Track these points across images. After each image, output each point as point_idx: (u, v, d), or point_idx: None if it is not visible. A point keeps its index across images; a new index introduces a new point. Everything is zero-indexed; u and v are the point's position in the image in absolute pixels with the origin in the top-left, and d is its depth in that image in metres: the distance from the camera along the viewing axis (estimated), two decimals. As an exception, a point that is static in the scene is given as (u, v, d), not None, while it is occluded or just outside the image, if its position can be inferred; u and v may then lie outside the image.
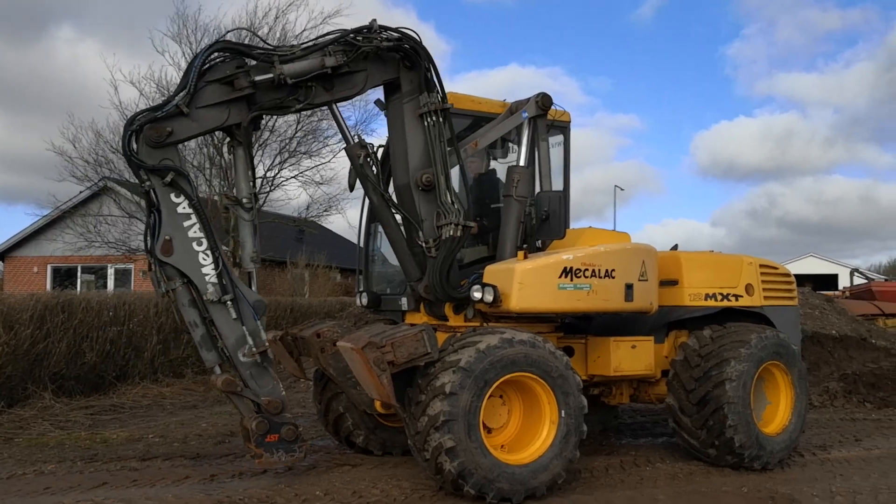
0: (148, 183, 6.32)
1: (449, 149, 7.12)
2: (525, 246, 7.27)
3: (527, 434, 6.69)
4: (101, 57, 51.72)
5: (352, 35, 6.82)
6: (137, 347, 13.08)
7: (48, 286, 27.93)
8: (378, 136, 34.02)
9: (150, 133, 6.26)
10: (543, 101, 7.58)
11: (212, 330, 6.55)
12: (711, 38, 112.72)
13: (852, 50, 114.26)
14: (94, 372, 12.22)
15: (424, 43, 7.14)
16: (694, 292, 8.08)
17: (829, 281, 44.32)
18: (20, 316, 11.29)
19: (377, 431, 8.06)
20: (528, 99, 7.65)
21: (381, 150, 8.37)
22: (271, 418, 6.59)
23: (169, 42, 19.72)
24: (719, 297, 8.15)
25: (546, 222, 7.15)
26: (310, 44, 6.81)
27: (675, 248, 8.98)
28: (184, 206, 6.42)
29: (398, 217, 7.36)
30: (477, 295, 6.94)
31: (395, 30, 7.03)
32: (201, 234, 6.44)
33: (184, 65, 19.64)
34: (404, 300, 7.76)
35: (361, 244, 8.39)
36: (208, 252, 6.45)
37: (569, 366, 6.65)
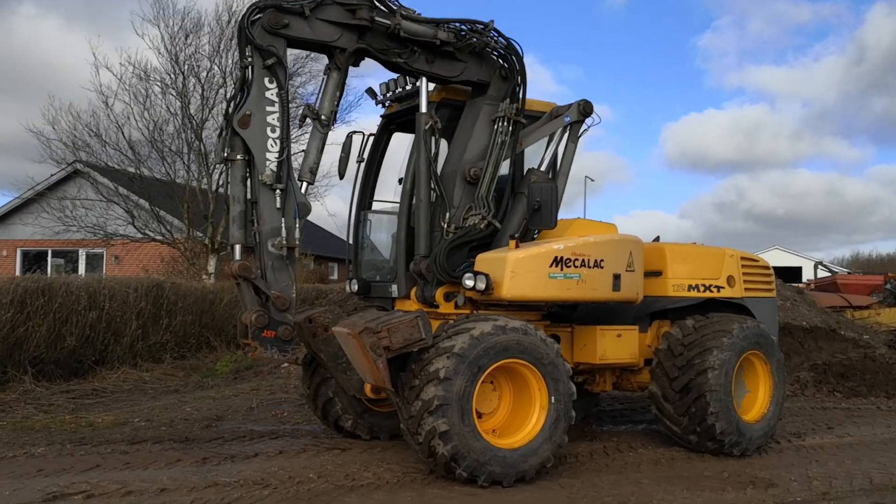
0: (249, 59, 6.73)
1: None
2: (517, 235, 7.43)
3: (516, 419, 6.85)
4: (65, 36, 50.60)
5: (468, 25, 7.47)
6: (116, 332, 13.02)
7: (17, 270, 27.57)
8: (355, 125, 33.89)
9: (270, 17, 6.71)
10: (585, 107, 8.04)
11: (249, 212, 6.85)
12: (683, 29, 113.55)
13: (822, 44, 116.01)
14: (73, 356, 12.16)
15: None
16: (677, 283, 8.29)
17: (794, 273, 45.09)
18: (0, 299, 11.23)
19: (365, 416, 8.18)
20: (571, 105, 8.06)
21: (370, 138, 8.56)
22: (271, 315, 6.72)
23: (148, 27, 19.50)
24: (702, 288, 8.36)
25: (538, 212, 7.28)
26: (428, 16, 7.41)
27: (657, 239, 9.19)
28: (272, 94, 6.80)
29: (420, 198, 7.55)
30: (469, 283, 7.07)
31: (507, 38, 7.74)
32: (278, 124, 6.80)
33: (163, 49, 19.54)
34: (394, 287, 7.87)
35: (351, 232, 8.49)
36: (278, 141, 6.79)
37: (559, 353, 6.82)
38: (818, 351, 14.20)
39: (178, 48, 19.37)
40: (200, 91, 19.49)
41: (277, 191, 6.75)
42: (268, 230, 6.77)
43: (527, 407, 6.79)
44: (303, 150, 7.34)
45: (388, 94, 8.31)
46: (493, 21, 7.68)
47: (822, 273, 30.12)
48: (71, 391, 11.17)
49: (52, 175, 24.97)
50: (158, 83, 19.62)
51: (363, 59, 7.45)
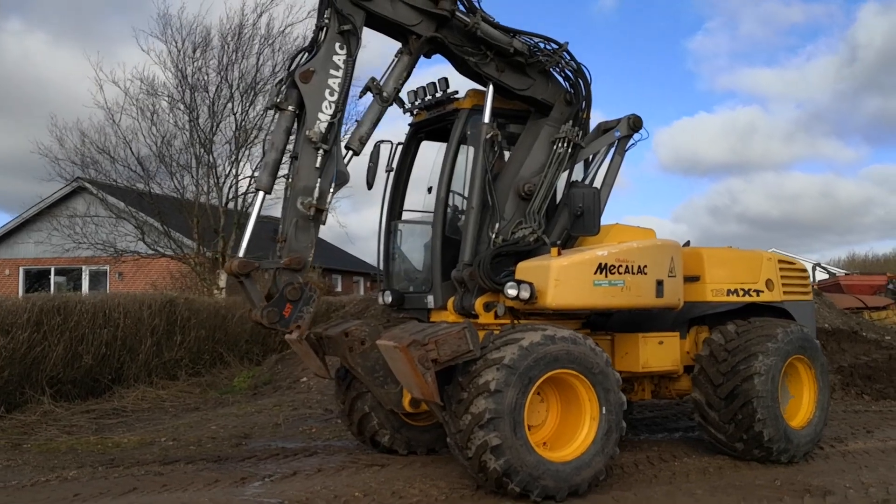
0: (326, 21, 6.81)
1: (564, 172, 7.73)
2: (558, 242, 7.28)
3: (565, 431, 6.67)
4: (54, 52, 50.01)
5: (543, 41, 7.59)
6: (131, 349, 12.82)
7: (20, 289, 27.31)
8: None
9: None
10: (635, 122, 7.97)
11: (280, 161, 6.94)
12: (674, 31, 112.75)
13: (814, 44, 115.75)
14: (90, 375, 11.97)
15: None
16: (716, 288, 8.13)
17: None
18: (17, 319, 11.04)
19: (403, 430, 7.99)
20: (620, 119, 7.99)
21: (399, 147, 8.43)
22: (274, 302, 6.58)
23: (153, 41, 19.47)
24: (741, 293, 8.21)
25: (580, 219, 7.15)
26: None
27: (687, 244, 9.02)
28: (340, 59, 6.84)
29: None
30: (512, 292, 6.90)
31: (578, 63, 7.82)
32: (338, 89, 6.84)
33: (169, 64, 19.43)
34: (430, 298, 7.70)
35: (382, 243, 8.32)
36: (333, 105, 6.81)
37: (609, 362, 6.65)
38: (841, 353, 14.06)
39: (185, 63, 19.22)
40: (209, 104, 19.37)
41: (321, 151, 6.72)
42: (301, 187, 6.73)
43: (576, 418, 6.62)
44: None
45: (416, 103, 8.18)
46: (567, 43, 7.69)
47: (820, 275, 29.81)
48: (91, 411, 10.99)
49: (53, 193, 24.80)
50: (166, 98, 19.50)
51: (435, 53, 7.47)
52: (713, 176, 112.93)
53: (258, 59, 19.70)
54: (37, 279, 28.04)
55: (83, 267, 26.19)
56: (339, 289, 34.18)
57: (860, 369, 12.95)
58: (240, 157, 19.67)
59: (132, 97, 19.43)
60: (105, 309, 12.53)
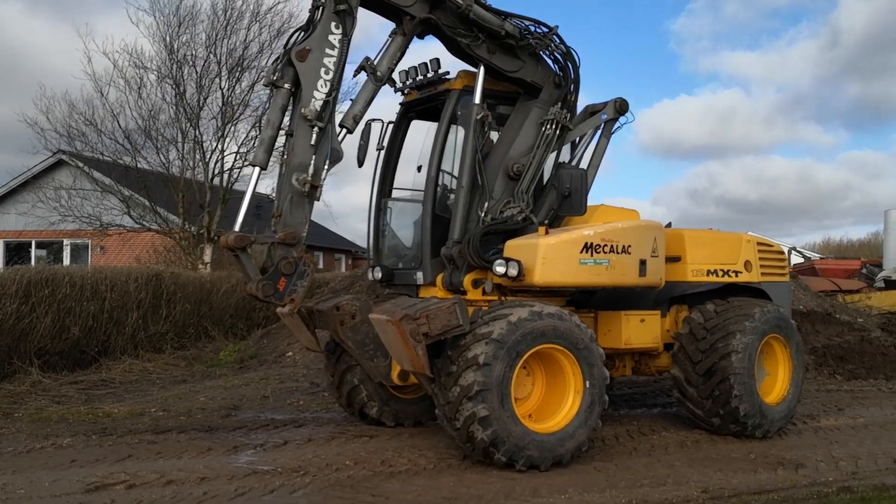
0: (323, 1, 6.96)
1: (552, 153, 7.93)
2: (546, 222, 7.48)
3: (550, 404, 6.92)
4: (29, 21, 49.10)
5: (533, 24, 7.74)
6: (118, 322, 12.94)
7: (0, 262, 27.15)
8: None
9: None
10: (621, 105, 8.22)
11: (275, 138, 7.02)
12: (657, 13, 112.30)
13: (796, 28, 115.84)
14: (77, 347, 12.09)
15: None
16: (697, 268, 8.39)
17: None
18: (5, 290, 11.13)
19: (391, 403, 8.20)
20: (607, 103, 8.23)
21: (390, 125, 8.57)
22: (269, 276, 6.74)
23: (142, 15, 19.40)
24: (720, 273, 8.47)
25: (568, 199, 7.35)
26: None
27: (668, 225, 9.26)
28: (336, 38, 7.00)
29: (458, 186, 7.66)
30: (501, 269, 7.11)
31: (567, 47, 8.01)
32: (333, 68, 6.99)
33: (158, 38, 19.41)
34: (419, 274, 7.88)
35: (372, 220, 8.48)
36: (328, 83, 6.96)
37: (593, 338, 6.89)
38: (815, 334, 14.38)
39: (173, 36, 19.16)
40: (196, 79, 19.37)
41: (316, 128, 6.86)
42: (296, 164, 6.88)
43: (561, 391, 6.86)
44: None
45: (407, 82, 8.32)
46: (557, 27, 7.87)
47: (795, 258, 30.24)
48: (79, 382, 11.11)
49: (35, 165, 24.69)
50: (154, 72, 19.45)
51: (428, 34, 7.61)
52: (693, 159, 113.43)
53: (246, 35, 19.70)
54: (16, 252, 27.86)
55: (64, 240, 26.10)
56: (320, 266, 34.32)
57: (833, 350, 13.30)
58: (226, 133, 19.71)
59: (119, 69, 19.38)
60: (92, 282, 12.63)
